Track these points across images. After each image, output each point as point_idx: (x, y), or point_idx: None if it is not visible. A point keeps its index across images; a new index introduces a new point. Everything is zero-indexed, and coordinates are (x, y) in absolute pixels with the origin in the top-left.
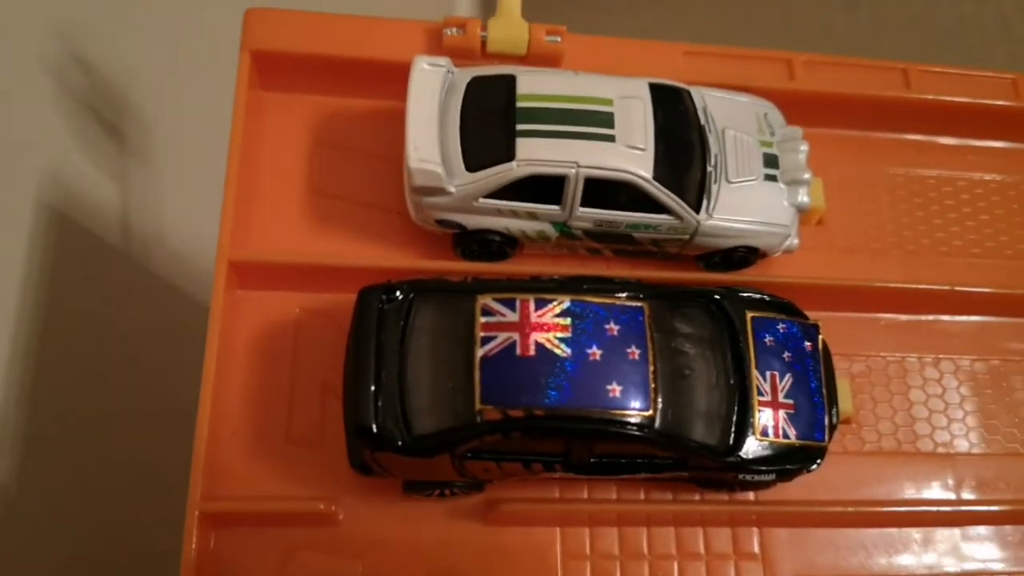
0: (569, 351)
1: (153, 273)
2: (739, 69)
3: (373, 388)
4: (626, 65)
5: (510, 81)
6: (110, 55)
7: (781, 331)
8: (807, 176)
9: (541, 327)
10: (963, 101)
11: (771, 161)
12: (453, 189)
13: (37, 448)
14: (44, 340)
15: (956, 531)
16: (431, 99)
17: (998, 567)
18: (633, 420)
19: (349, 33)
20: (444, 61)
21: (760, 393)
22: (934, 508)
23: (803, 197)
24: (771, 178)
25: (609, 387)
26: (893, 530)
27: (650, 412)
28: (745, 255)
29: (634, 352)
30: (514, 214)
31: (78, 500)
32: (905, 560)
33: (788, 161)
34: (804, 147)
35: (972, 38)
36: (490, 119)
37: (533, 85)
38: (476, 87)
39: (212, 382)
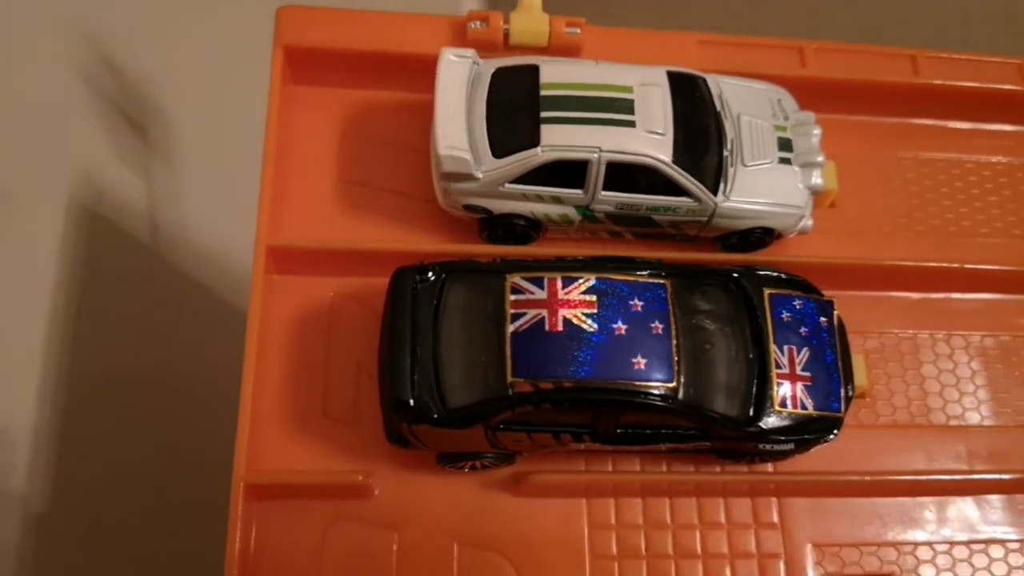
0: (595, 326)
1: (178, 264)
2: (752, 57)
3: (409, 363)
4: (642, 54)
5: (534, 71)
6: (134, 57)
7: (797, 307)
8: (820, 159)
9: (568, 304)
10: (970, 86)
11: (785, 145)
12: (480, 175)
13: (73, 440)
14: (77, 332)
15: (968, 500)
16: (458, 89)
17: (1011, 535)
18: (657, 392)
19: (377, 28)
20: (470, 53)
21: (778, 366)
22: (946, 477)
23: (817, 179)
24: (785, 161)
25: (634, 360)
26: (907, 499)
27: (673, 384)
28: (761, 236)
29: (657, 327)
30: (539, 198)
31: (112, 488)
32: (919, 528)
33: (802, 145)
34: (817, 131)
35: (976, 31)
36: (515, 107)
37: (556, 74)
38: (501, 77)
39: (254, 363)
